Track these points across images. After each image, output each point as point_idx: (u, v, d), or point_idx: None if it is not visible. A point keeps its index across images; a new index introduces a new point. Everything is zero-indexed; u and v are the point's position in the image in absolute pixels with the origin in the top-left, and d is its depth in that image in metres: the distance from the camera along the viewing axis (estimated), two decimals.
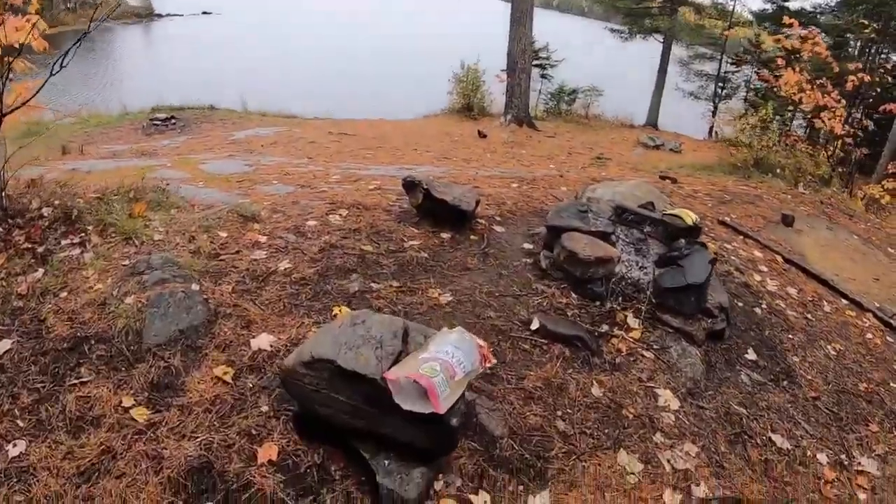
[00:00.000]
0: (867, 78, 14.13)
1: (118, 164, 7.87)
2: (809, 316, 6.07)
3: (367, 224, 5.03)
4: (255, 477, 2.49)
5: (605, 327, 4.16)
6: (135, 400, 2.76)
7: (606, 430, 3.33)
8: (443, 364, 2.39)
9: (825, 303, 6.62)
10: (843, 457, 4.15)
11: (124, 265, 3.65)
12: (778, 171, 12.13)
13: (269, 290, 3.66)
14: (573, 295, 4.48)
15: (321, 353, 2.50)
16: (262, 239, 4.29)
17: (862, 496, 3.85)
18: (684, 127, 21.95)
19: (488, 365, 2.67)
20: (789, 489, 3.64)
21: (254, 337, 3.23)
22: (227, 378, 2.92)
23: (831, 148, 12.97)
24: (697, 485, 3.31)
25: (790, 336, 5.39)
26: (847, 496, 3.80)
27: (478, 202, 5.67)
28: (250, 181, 6.33)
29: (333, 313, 3.52)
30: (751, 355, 4.79)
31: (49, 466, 2.42)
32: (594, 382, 3.63)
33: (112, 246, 3.88)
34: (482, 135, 15.25)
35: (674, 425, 3.64)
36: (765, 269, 6.88)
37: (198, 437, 2.61)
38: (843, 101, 13.11)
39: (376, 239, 4.80)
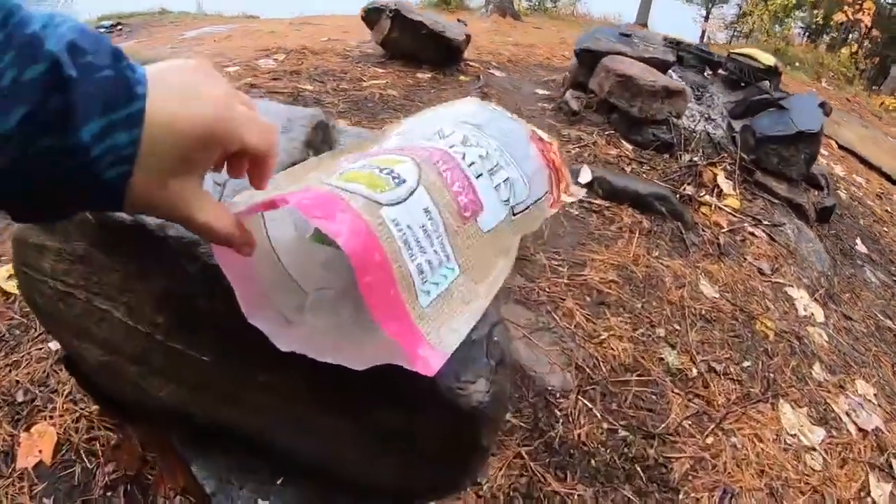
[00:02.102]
0: None
1: None
2: (889, 209, 4.53)
3: (311, 66, 3.24)
4: None
5: (688, 188, 2.39)
6: None
7: (746, 365, 1.63)
8: (438, 161, 0.51)
9: (895, 197, 5.12)
10: None
11: None
12: (797, 64, 10.35)
13: None
14: (625, 144, 2.69)
15: None
16: None
17: None
18: (675, 31, 19.75)
19: (568, 197, 0.80)
20: None
21: None
22: (10, 286, 1.49)
23: (854, 45, 11.08)
24: None
25: (885, 230, 3.88)
26: None
27: (468, 37, 3.83)
28: (176, 55, 4.40)
29: None
30: (861, 247, 3.21)
31: None
32: (701, 275, 1.89)
33: None
34: (461, 23, 13.01)
35: (830, 349, 1.98)
36: (825, 153, 5.27)
37: None
38: None
39: (322, 79, 3.02)
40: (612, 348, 1.42)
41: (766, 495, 1.27)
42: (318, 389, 0.64)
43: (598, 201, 2.02)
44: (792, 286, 2.20)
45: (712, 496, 1.19)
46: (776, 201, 2.76)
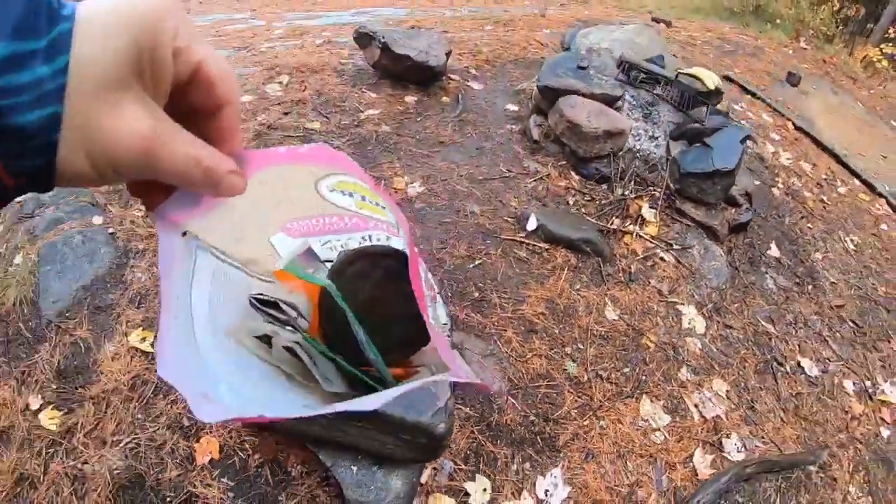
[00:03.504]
0: None
1: None
2: (825, 198, 5.54)
3: (313, 92, 4.11)
4: (196, 486, 1.98)
5: (615, 221, 3.40)
6: (42, 398, 2.20)
7: (626, 371, 2.67)
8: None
9: (839, 181, 6.12)
10: (868, 383, 3.70)
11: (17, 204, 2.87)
12: (777, 21, 11.21)
13: None
14: (574, 175, 3.67)
15: None
16: None
17: (885, 432, 3.44)
18: None
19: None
20: (818, 429, 3.18)
21: None
22: (146, 346, 2.35)
23: (837, 2, 11.92)
24: (728, 436, 2.76)
25: (809, 226, 4.86)
26: (872, 435, 3.39)
27: (448, 54, 4.67)
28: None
29: None
30: (774, 251, 4.23)
31: None
32: (608, 301, 2.93)
33: None
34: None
35: (700, 355, 3.02)
36: (776, 137, 6.26)
37: (121, 441, 2.09)
38: None
39: (325, 111, 3.90)
40: (533, 363, 2.46)
41: (615, 456, 2.34)
42: (380, 423, 1.66)
43: (541, 244, 3.03)
44: (683, 304, 3.24)
45: (581, 455, 2.26)
46: (692, 225, 3.78)
